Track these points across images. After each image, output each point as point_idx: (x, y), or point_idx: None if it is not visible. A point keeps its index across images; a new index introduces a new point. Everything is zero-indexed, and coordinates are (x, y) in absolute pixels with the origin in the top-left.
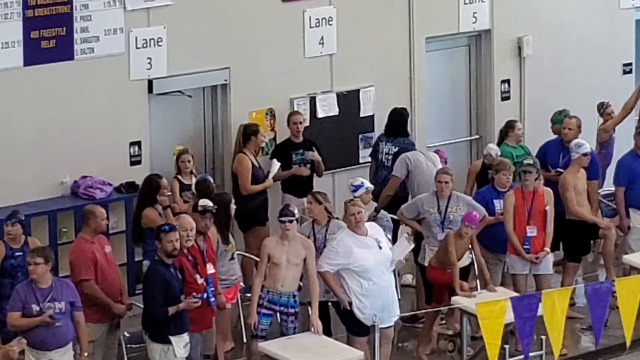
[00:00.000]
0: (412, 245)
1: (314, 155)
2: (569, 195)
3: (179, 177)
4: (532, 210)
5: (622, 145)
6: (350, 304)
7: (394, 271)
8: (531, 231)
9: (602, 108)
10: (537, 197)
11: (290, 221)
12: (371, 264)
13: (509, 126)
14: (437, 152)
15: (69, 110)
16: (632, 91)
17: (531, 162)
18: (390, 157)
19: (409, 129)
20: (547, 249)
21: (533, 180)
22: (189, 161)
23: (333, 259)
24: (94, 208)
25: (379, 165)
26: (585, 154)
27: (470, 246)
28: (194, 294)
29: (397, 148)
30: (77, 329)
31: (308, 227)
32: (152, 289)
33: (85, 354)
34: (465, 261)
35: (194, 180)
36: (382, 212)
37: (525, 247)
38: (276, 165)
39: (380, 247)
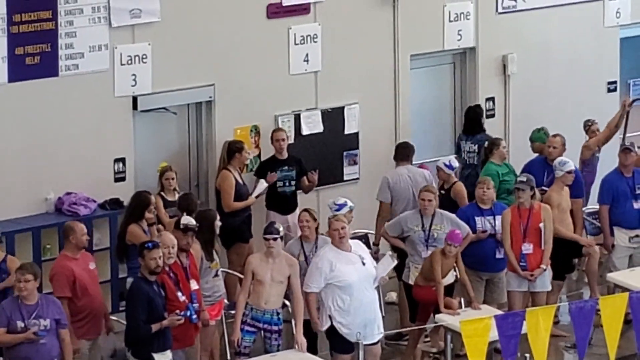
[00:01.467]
0: (395, 262)
1: (313, 177)
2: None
3: (162, 194)
4: (528, 228)
5: (608, 163)
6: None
7: (377, 288)
8: (527, 248)
9: (588, 125)
10: (533, 215)
11: (275, 239)
12: (354, 279)
13: (494, 144)
14: (420, 166)
15: (53, 126)
16: (617, 110)
17: (524, 179)
18: (472, 154)
19: (393, 145)
20: (544, 265)
21: (527, 197)
22: (172, 178)
23: (317, 278)
24: (73, 224)
25: (464, 164)
26: (569, 172)
27: (455, 264)
28: (177, 311)
29: (476, 145)
30: (62, 346)
31: (297, 245)
32: (135, 306)
33: None
34: (449, 279)
35: (177, 196)
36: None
37: (521, 264)
38: (263, 185)
39: (363, 264)
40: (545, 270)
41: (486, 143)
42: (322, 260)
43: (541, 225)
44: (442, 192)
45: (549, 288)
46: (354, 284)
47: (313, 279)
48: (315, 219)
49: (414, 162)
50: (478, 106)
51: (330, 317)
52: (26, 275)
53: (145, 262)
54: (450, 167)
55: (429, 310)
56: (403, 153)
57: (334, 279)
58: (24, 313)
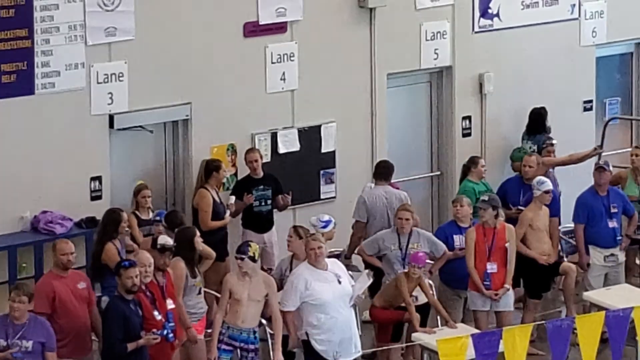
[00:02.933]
0: (371, 281)
1: (286, 200)
2: (519, 231)
3: (137, 212)
4: (492, 247)
5: (585, 181)
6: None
7: (354, 307)
8: (491, 267)
9: (545, 145)
10: (498, 234)
11: (242, 259)
12: (329, 298)
13: (472, 162)
14: (391, 185)
15: (29, 145)
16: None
17: (486, 198)
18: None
19: (369, 164)
20: (507, 285)
21: (490, 216)
22: (148, 196)
23: (292, 296)
24: (57, 242)
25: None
26: (547, 192)
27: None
28: (154, 330)
29: (535, 145)
30: None
31: (286, 262)
32: (112, 324)
33: None
34: (424, 298)
35: (151, 215)
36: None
37: (485, 283)
38: (232, 200)
39: (339, 282)
40: (508, 290)
41: (536, 147)
42: (297, 279)
43: (506, 245)
44: None
45: (512, 308)
46: (329, 303)
47: (289, 298)
48: (300, 236)
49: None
50: (543, 108)
51: (307, 334)
52: (21, 296)
53: (121, 281)
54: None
55: (389, 329)
56: (383, 172)
57: (308, 297)
58: (10, 332)
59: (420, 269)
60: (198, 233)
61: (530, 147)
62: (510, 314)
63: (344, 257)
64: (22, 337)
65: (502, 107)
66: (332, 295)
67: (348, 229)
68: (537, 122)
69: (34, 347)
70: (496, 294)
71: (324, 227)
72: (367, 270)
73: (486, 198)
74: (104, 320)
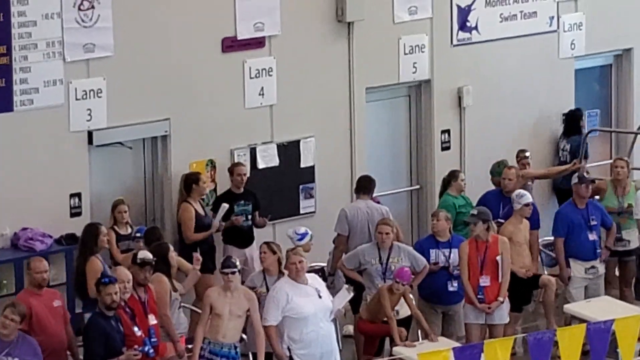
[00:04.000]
0: (351, 295)
1: (263, 221)
2: None
3: (115, 227)
4: (485, 260)
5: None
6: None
7: (334, 321)
8: (484, 281)
9: (521, 156)
10: (490, 247)
11: (233, 272)
12: (310, 312)
13: (452, 176)
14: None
15: (8, 161)
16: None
17: (475, 212)
18: (565, 153)
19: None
20: (501, 298)
21: (481, 230)
22: (125, 212)
23: (274, 311)
24: (31, 260)
25: (558, 162)
26: (527, 205)
27: (404, 299)
28: (136, 346)
29: (569, 145)
30: None
31: (259, 277)
32: (93, 341)
33: None
34: (406, 312)
35: (129, 230)
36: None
37: (479, 297)
38: (225, 208)
39: (320, 297)
40: (502, 302)
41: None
42: (278, 293)
43: (498, 258)
44: None
45: (507, 320)
46: (310, 316)
47: (270, 312)
48: (274, 252)
49: None
50: (578, 109)
51: (289, 349)
52: (15, 315)
53: (101, 298)
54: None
55: (375, 342)
56: (364, 187)
57: (290, 312)
58: None
59: (404, 286)
60: (172, 248)
61: (564, 147)
62: (503, 327)
63: (328, 274)
64: (9, 354)
65: (481, 120)
66: (313, 309)
67: (328, 244)
68: (573, 124)
69: None
70: (489, 307)
71: (300, 239)
72: (346, 285)
73: (475, 212)
74: (85, 338)
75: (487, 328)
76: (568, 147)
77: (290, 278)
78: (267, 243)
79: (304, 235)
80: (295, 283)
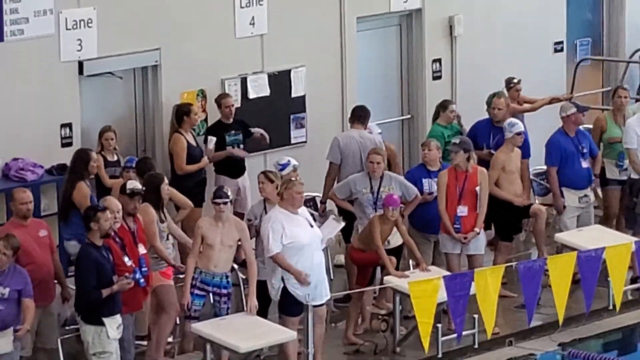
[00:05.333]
0: (342, 224)
1: (260, 132)
2: (492, 174)
3: (102, 153)
4: (463, 190)
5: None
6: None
7: (325, 251)
8: (462, 211)
9: (512, 84)
10: (469, 177)
11: (225, 203)
12: (306, 241)
13: (442, 106)
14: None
15: None
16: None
17: (457, 141)
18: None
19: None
20: (477, 229)
21: (461, 159)
22: (112, 139)
23: (275, 239)
24: (14, 191)
25: None
26: (519, 133)
27: (396, 227)
28: (127, 274)
29: None
30: (25, 313)
31: (260, 207)
32: (86, 272)
33: (27, 326)
34: (397, 241)
35: (115, 157)
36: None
37: (455, 226)
38: (213, 141)
39: (311, 226)
40: (478, 233)
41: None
42: (274, 223)
43: (477, 188)
44: None
45: (483, 251)
46: (306, 245)
47: (272, 241)
48: (272, 181)
49: None
50: None
51: (282, 279)
52: (7, 250)
53: (99, 225)
54: (282, 167)
55: (368, 272)
56: (359, 116)
57: (286, 241)
58: None
59: (396, 211)
60: (166, 181)
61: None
62: (481, 257)
63: (320, 202)
64: (0, 284)
65: (472, 50)
66: (308, 238)
67: (319, 174)
68: None
69: (10, 295)
70: (465, 238)
71: (282, 169)
72: (333, 215)
73: (457, 141)
74: (77, 268)
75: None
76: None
77: (285, 207)
78: (264, 172)
79: (285, 166)
80: (288, 213)
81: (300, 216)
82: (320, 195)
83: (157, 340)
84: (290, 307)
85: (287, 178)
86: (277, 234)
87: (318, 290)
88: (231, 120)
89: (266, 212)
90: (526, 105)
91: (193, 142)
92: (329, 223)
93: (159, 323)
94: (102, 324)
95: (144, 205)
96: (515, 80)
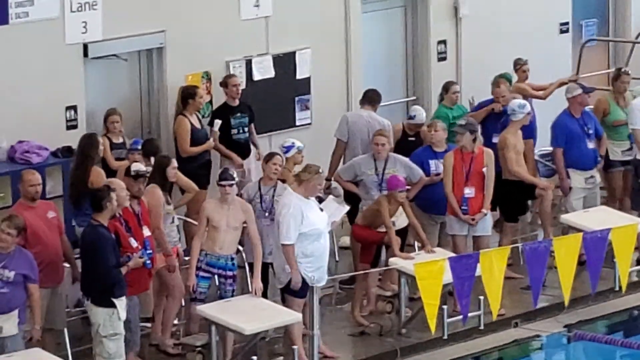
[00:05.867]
0: (347, 208)
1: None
2: (510, 155)
3: (108, 136)
4: (470, 171)
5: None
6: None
7: (331, 233)
8: (469, 192)
9: (519, 65)
10: (476, 158)
11: (230, 185)
12: (323, 226)
13: (445, 88)
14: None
15: (4, 74)
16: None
17: (463, 122)
18: None
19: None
20: (485, 210)
21: (468, 140)
22: (117, 121)
23: (293, 228)
24: (24, 173)
25: None
26: (529, 113)
27: (402, 208)
28: (135, 254)
29: None
30: (30, 301)
31: (254, 188)
32: (104, 252)
33: (37, 327)
34: (402, 223)
35: (121, 140)
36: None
37: (463, 208)
38: (217, 124)
39: (321, 210)
40: (486, 214)
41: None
42: (295, 210)
43: (484, 169)
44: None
45: (489, 232)
46: (322, 230)
47: (289, 230)
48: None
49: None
50: None
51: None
52: (11, 229)
53: (112, 205)
54: (287, 150)
55: (371, 251)
56: (370, 98)
57: (304, 228)
58: None
59: (402, 192)
60: (174, 163)
61: None
62: (487, 238)
63: (325, 179)
64: (5, 267)
65: (477, 31)
66: (322, 223)
67: (323, 155)
68: None
69: (16, 278)
70: (473, 219)
71: (286, 152)
72: (331, 196)
73: (463, 122)
74: (95, 249)
75: (473, 239)
76: None
77: (301, 193)
78: (275, 154)
79: (289, 148)
80: (304, 199)
81: (312, 200)
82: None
83: (163, 323)
84: (299, 289)
85: (293, 160)
86: (296, 223)
87: (321, 272)
88: (237, 102)
89: (261, 193)
90: (540, 92)
91: (197, 125)
92: (329, 203)
93: (166, 305)
94: (113, 305)
95: (151, 187)
96: (522, 61)
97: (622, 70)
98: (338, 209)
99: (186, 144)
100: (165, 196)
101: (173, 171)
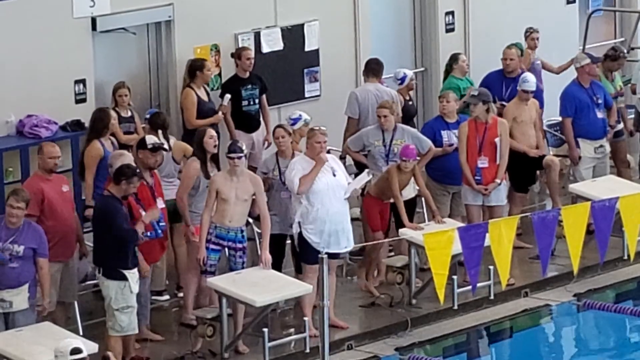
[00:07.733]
0: (369, 178)
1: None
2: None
3: (117, 109)
4: (484, 142)
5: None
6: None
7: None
8: (482, 162)
9: (529, 32)
10: (489, 129)
11: (239, 157)
12: (321, 187)
13: (453, 59)
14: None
15: (13, 48)
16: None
17: (475, 93)
18: None
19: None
20: (498, 180)
21: (481, 111)
22: (125, 95)
23: (298, 175)
24: (44, 145)
25: None
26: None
27: (414, 179)
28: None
29: None
30: (40, 275)
31: (272, 160)
32: (116, 218)
33: (47, 300)
34: (411, 193)
35: (130, 113)
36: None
37: (476, 178)
38: (227, 98)
39: (334, 175)
40: (499, 184)
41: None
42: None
43: (497, 139)
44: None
45: (504, 202)
46: (320, 191)
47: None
48: (290, 133)
49: None
50: None
51: (299, 224)
52: (20, 202)
53: (128, 188)
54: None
55: (384, 220)
56: (373, 69)
57: None
58: (2, 235)
59: (411, 163)
60: (211, 133)
61: None
62: (501, 208)
63: (340, 157)
64: (14, 242)
65: (485, 2)
66: (324, 185)
67: (332, 127)
68: None
69: (25, 252)
70: (486, 189)
71: (293, 124)
72: (367, 170)
73: (476, 93)
74: (107, 217)
75: (487, 209)
76: None
77: (309, 155)
78: (282, 126)
79: (296, 120)
80: (310, 160)
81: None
82: (334, 148)
83: (184, 298)
84: (306, 255)
85: (300, 133)
86: (298, 173)
87: (333, 239)
88: (248, 74)
89: (279, 165)
90: (554, 67)
91: (205, 98)
92: (363, 176)
93: (184, 282)
94: (125, 278)
95: (191, 159)
96: (532, 29)
97: (620, 53)
98: (360, 177)
99: (192, 116)
100: (205, 170)
101: (211, 140)
